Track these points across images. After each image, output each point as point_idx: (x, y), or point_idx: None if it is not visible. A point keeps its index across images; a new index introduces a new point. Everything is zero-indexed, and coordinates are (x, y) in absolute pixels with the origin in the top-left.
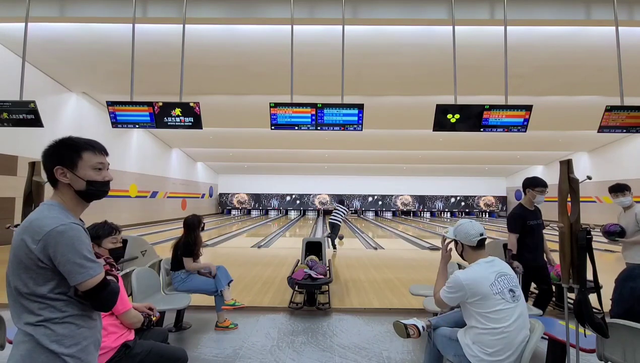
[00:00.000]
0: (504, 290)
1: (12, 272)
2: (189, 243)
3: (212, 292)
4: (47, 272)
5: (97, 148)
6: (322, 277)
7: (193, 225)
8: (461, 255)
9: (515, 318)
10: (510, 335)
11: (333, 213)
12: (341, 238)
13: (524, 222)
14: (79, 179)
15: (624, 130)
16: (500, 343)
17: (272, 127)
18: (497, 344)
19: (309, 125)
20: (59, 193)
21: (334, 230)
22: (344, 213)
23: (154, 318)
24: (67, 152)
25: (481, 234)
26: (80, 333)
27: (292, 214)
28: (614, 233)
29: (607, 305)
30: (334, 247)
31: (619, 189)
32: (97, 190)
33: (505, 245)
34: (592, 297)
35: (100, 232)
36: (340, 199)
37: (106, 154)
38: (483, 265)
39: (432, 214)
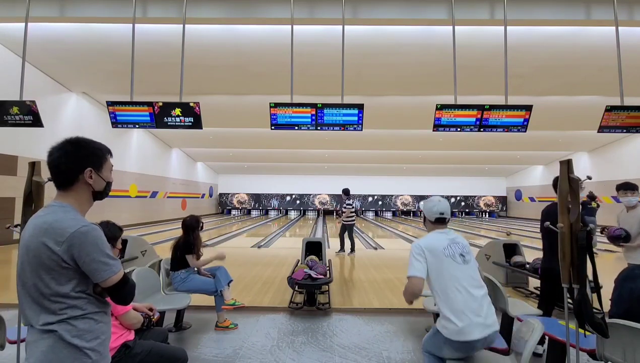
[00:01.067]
0: (455, 254)
1: (32, 274)
2: (189, 243)
3: (212, 292)
4: (69, 271)
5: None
6: (322, 277)
7: (192, 226)
8: (424, 224)
9: (466, 276)
10: (467, 293)
11: (345, 212)
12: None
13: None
14: (101, 180)
15: (624, 130)
16: (459, 301)
17: (272, 127)
18: (457, 303)
19: (309, 125)
20: (72, 194)
21: (350, 232)
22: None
23: (153, 319)
24: (98, 155)
25: (441, 213)
26: (98, 328)
27: (292, 214)
28: (619, 238)
29: (607, 305)
30: (352, 250)
31: (628, 187)
32: (109, 190)
33: (505, 245)
34: (592, 297)
35: (116, 233)
36: (346, 190)
37: None
38: (437, 234)
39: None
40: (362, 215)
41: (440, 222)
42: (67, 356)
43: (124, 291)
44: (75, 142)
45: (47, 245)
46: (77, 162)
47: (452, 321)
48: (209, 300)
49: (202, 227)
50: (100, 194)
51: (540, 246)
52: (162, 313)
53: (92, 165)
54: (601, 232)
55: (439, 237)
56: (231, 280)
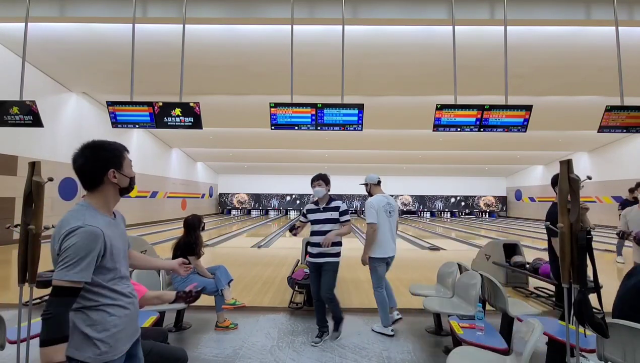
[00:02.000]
0: (387, 211)
1: (54, 263)
2: (190, 243)
3: (212, 291)
4: None
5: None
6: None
7: (194, 225)
8: (369, 193)
9: (389, 225)
10: (388, 232)
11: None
12: None
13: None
14: (124, 177)
15: (624, 130)
16: (382, 234)
17: (272, 127)
18: (380, 237)
19: (309, 125)
20: (99, 194)
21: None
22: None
23: (193, 293)
24: (116, 155)
25: (379, 178)
26: (110, 321)
27: (292, 214)
28: None
29: (607, 306)
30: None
31: None
32: (134, 184)
33: (505, 245)
34: (592, 297)
35: None
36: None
37: None
38: (381, 197)
39: (432, 214)
40: (362, 215)
41: (379, 184)
42: (80, 342)
43: (51, 307)
44: (92, 146)
45: (53, 241)
46: (100, 166)
47: (379, 246)
48: (209, 300)
49: (203, 227)
50: (126, 190)
51: (540, 246)
52: (162, 313)
53: (114, 166)
54: (621, 237)
55: (382, 198)
56: (231, 280)
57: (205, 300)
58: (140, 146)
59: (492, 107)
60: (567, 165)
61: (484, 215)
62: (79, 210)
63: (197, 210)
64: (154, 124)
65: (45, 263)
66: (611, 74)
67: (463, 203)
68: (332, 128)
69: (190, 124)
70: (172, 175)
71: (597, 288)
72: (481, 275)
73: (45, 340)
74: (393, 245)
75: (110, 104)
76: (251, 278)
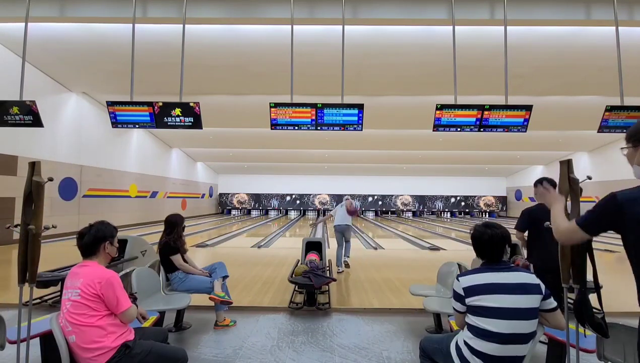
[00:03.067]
0: (341, 208)
1: None
2: (168, 243)
3: (208, 290)
4: None
5: None
6: (327, 277)
7: (176, 222)
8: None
9: (342, 213)
10: (340, 216)
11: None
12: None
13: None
14: None
15: (624, 130)
16: (336, 217)
17: (272, 127)
18: (336, 217)
19: (309, 125)
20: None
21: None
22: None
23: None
24: None
25: (347, 196)
26: None
27: (292, 214)
28: None
29: (607, 306)
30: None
31: None
32: None
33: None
34: (592, 297)
35: (114, 231)
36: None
37: None
38: (341, 207)
39: (432, 214)
40: (362, 215)
41: (345, 199)
42: None
43: None
44: None
45: None
46: None
47: (335, 221)
48: (209, 300)
49: (184, 228)
50: None
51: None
52: (162, 313)
53: None
54: None
55: (340, 209)
56: (227, 276)
57: (206, 300)
58: (140, 146)
59: (492, 107)
60: (567, 165)
61: (484, 215)
62: None
63: (197, 210)
64: (154, 124)
65: (45, 263)
66: (611, 74)
67: (463, 204)
68: (332, 128)
69: (190, 124)
70: (172, 175)
71: (597, 288)
72: None
73: None
74: (342, 222)
75: (110, 104)
76: (251, 278)
